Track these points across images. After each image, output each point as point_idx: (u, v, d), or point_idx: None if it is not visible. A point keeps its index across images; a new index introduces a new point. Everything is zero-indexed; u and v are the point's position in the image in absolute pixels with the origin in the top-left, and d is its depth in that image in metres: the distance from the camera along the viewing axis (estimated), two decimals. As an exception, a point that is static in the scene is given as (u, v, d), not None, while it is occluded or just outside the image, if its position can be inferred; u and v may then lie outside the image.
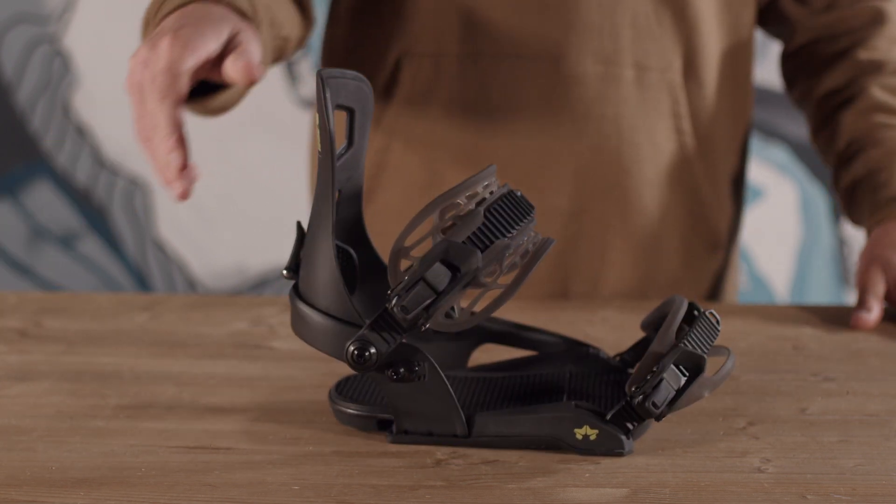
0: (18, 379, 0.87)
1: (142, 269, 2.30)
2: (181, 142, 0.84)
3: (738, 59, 1.21)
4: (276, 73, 2.26)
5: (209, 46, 0.87)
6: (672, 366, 0.71)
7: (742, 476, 0.69)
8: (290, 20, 1.06)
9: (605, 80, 1.14)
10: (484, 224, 0.70)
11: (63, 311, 1.06)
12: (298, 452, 0.73)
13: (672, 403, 0.71)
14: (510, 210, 0.72)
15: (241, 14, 0.93)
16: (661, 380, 0.70)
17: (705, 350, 0.72)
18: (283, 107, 2.25)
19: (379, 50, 1.18)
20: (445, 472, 0.70)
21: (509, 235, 0.71)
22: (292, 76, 2.26)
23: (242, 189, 2.27)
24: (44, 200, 2.29)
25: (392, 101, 1.17)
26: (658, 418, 0.71)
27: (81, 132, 2.27)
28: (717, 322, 0.74)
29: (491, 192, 0.73)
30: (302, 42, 1.14)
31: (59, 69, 2.26)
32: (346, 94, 0.76)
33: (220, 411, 0.80)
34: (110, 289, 2.29)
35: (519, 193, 0.73)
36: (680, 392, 0.71)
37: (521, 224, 0.72)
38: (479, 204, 0.72)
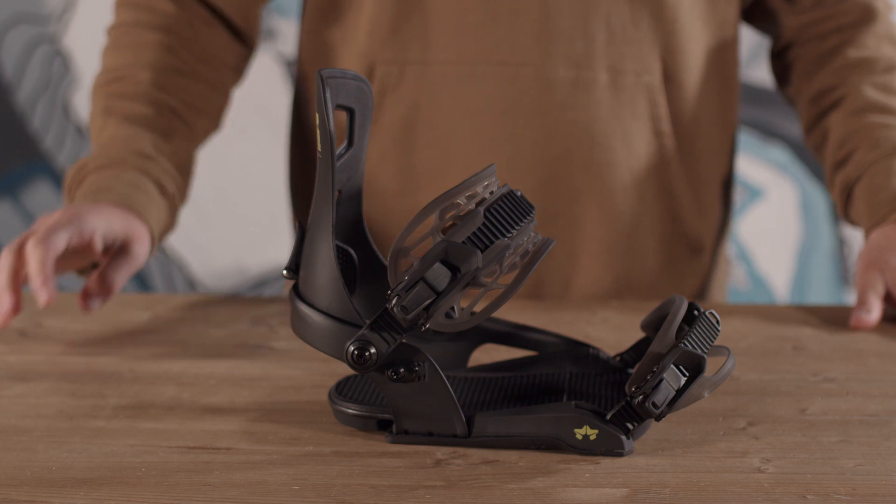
0: (18, 379, 0.87)
1: (142, 269, 2.30)
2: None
3: (722, 57, 1.21)
4: (276, 73, 2.26)
5: (90, 228, 0.98)
6: (672, 366, 0.71)
7: (742, 476, 0.69)
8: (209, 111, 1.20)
9: (577, 84, 1.14)
10: (484, 224, 0.70)
11: (63, 311, 1.06)
12: (298, 452, 0.73)
13: (672, 403, 0.71)
14: (510, 210, 0.72)
15: (132, 209, 1.05)
16: (661, 380, 0.70)
17: (705, 350, 0.72)
18: (282, 106, 2.25)
19: (348, 58, 1.18)
20: (445, 472, 0.70)
21: (509, 235, 0.71)
22: (292, 76, 2.26)
23: (242, 189, 2.27)
24: (44, 200, 2.29)
25: None
26: (658, 418, 0.71)
27: (81, 132, 2.27)
28: (717, 322, 0.74)
29: (491, 192, 0.73)
30: (240, 74, 1.25)
31: (59, 69, 2.26)
32: (347, 94, 0.76)
33: (220, 411, 0.80)
34: (110, 289, 2.29)
35: (519, 193, 0.73)
36: (680, 392, 0.71)
37: (521, 224, 0.72)
38: (479, 204, 0.72)
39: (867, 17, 1.20)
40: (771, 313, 1.08)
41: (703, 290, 1.26)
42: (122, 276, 1.01)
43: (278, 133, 2.22)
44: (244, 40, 1.24)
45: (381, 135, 1.17)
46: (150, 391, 0.84)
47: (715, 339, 0.74)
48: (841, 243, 2.29)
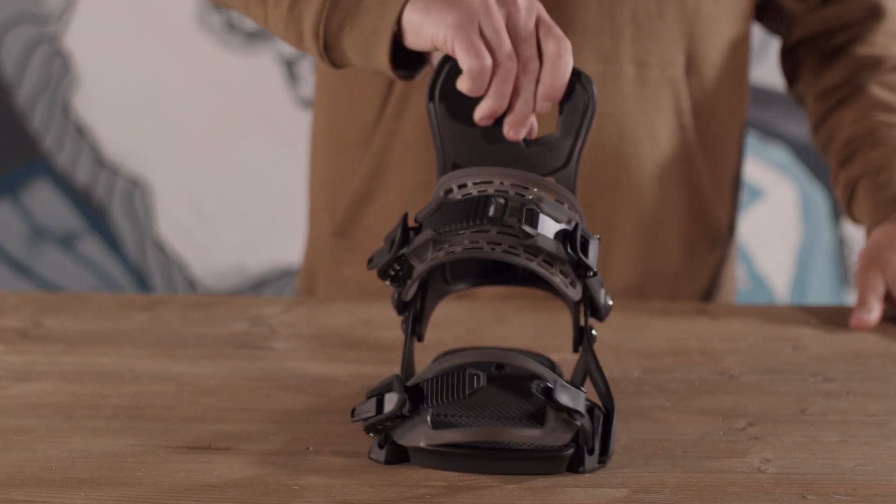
0: (18, 379, 0.87)
1: (142, 269, 2.30)
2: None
3: (737, 51, 1.21)
4: (276, 73, 2.26)
5: None
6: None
7: (742, 476, 0.69)
8: None
9: (605, 78, 1.14)
10: (440, 213, 0.75)
11: (63, 311, 1.06)
12: (299, 452, 0.73)
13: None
14: (462, 211, 0.75)
15: None
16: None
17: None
18: (282, 107, 2.25)
19: None
20: (445, 472, 0.70)
21: (443, 230, 0.74)
22: (292, 76, 2.26)
23: (242, 189, 2.27)
24: (44, 200, 2.29)
25: (390, 101, 1.16)
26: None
27: (81, 132, 2.27)
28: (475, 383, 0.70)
29: (480, 191, 0.75)
30: None
31: (59, 69, 2.26)
32: None
33: (220, 411, 0.80)
34: (110, 289, 2.29)
35: (494, 201, 0.74)
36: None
37: (456, 226, 0.74)
38: (460, 193, 0.76)
39: (876, 13, 1.20)
40: (771, 313, 1.08)
41: (715, 284, 1.26)
42: None
43: (278, 133, 2.23)
44: None
45: (406, 129, 1.17)
46: (150, 391, 0.84)
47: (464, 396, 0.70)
48: (841, 243, 2.29)
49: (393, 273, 0.79)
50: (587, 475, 0.69)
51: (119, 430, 0.76)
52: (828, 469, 0.71)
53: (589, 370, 0.77)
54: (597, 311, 0.79)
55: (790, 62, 1.26)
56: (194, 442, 0.74)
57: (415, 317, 0.82)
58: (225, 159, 2.26)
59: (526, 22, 0.83)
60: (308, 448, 0.73)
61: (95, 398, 0.83)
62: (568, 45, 0.82)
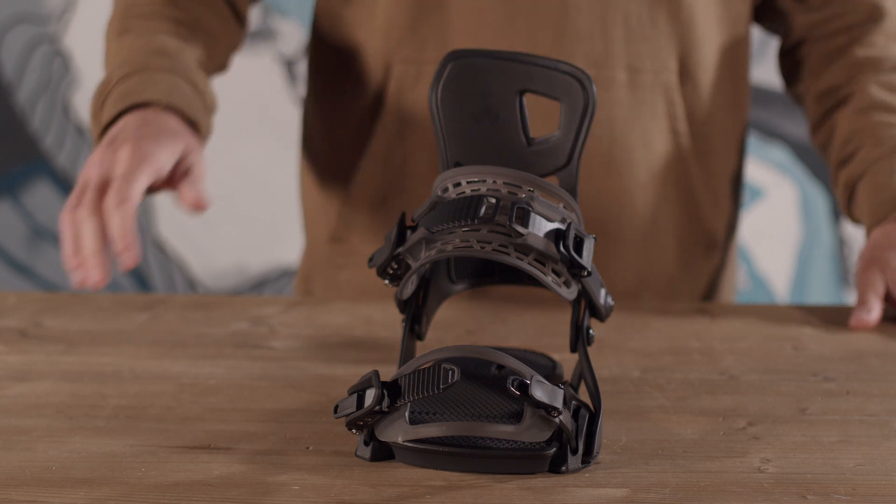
0: (18, 379, 0.87)
1: (142, 269, 2.31)
2: (130, 248, 0.94)
3: (734, 55, 1.21)
4: (276, 74, 2.26)
5: (165, 166, 0.97)
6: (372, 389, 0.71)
7: (742, 476, 0.69)
8: (223, 47, 1.18)
9: (597, 83, 1.13)
10: (435, 212, 0.76)
11: (63, 311, 1.06)
12: (299, 452, 0.73)
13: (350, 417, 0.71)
14: (454, 210, 0.75)
15: (192, 125, 1.04)
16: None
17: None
18: (283, 107, 2.25)
19: (366, 57, 1.18)
20: (445, 472, 0.70)
21: (436, 230, 0.74)
22: (292, 76, 2.26)
23: (242, 189, 2.27)
24: (44, 200, 2.29)
25: (384, 108, 1.16)
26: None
27: (81, 132, 2.27)
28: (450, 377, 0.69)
29: (473, 190, 0.75)
30: (236, 48, 1.22)
31: (59, 69, 2.26)
32: (552, 85, 0.81)
33: (220, 411, 0.80)
34: (110, 289, 2.29)
35: (485, 201, 0.74)
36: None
37: (449, 225, 0.74)
38: (455, 192, 0.76)
39: (876, 15, 1.20)
40: (771, 313, 1.08)
41: (714, 288, 1.26)
42: (202, 169, 1.01)
43: (278, 133, 2.23)
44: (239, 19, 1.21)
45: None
46: (150, 391, 0.84)
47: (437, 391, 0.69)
48: (841, 243, 2.29)
49: (391, 272, 0.79)
50: (587, 475, 0.69)
51: (119, 429, 0.76)
52: (828, 469, 0.71)
53: (581, 368, 0.77)
54: (596, 311, 0.79)
55: (789, 63, 1.26)
56: (194, 442, 0.74)
57: (415, 315, 0.82)
58: (225, 159, 2.26)
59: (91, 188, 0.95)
60: (308, 448, 0.73)
61: (95, 398, 0.83)
62: (128, 199, 0.93)
